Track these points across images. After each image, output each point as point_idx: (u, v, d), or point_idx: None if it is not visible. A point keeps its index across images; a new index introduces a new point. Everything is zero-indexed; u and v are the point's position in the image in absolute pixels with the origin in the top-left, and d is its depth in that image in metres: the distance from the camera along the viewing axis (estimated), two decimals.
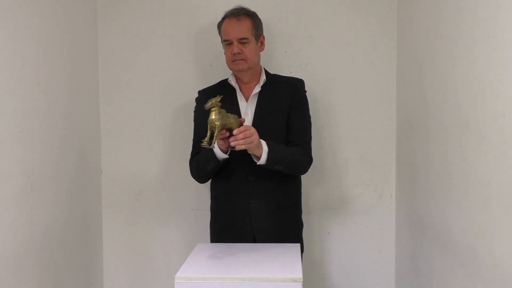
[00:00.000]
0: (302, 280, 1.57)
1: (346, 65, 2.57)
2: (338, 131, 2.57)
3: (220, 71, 2.53)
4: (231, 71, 2.21)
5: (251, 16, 2.15)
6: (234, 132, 1.88)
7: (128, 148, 2.61)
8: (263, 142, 2.00)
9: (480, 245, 1.62)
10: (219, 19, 2.56)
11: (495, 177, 1.52)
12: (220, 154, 2.03)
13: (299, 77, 2.30)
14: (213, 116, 1.83)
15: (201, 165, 2.12)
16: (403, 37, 2.46)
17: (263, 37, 2.21)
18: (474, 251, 1.66)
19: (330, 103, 2.54)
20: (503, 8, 1.46)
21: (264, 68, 2.24)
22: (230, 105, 2.13)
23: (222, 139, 1.93)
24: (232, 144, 1.89)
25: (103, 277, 2.65)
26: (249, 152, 1.97)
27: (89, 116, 2.49)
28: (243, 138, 1.88)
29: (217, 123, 1.82)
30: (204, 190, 2.57)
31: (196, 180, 2.22)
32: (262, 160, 2.00)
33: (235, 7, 2.19)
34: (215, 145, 1.94)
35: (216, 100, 1.84)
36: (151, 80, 2.59)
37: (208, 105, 1.84)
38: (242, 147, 1.89)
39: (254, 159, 2.01)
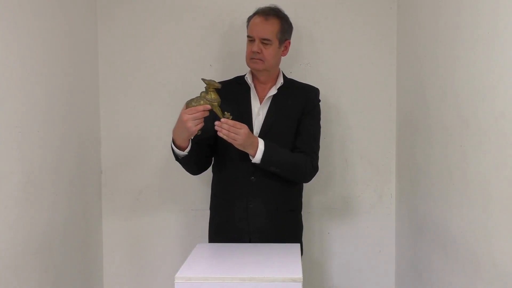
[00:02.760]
0: (302, 280, 1.57)
1: (346, 65, 2.57)
2: (338, 131, 2.57)
3: (221, 71, 2.54)
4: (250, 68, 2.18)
5: (281, 19, 2.12)
6: (222, 120, 1.89)
7: (128, 148, 2.61)
8: (261, 142, 2.00)
9: (479, 245, 1.62)
10: (219, 19, 2.57)
11: (495, 177, 1.52)
12: (178, 152, 2.00)
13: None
14: (215, 95, 1.88)
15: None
16: (403, 37, 2.46)
17: (289, 42, 2.18)
18: (474, 251, 1.66)
19: (330, 103, 2.54)
20: (503, 8, 1.46)
21: (282, 72, 2.22)
22: (242, 103, 2.12)
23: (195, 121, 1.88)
24: (216, 128, 1.90)
25: (103, 277, 2.65)
26: (239, 148, 1.96)
27: (89, 116, 2.49)
28: (227, 130, 1.88)
29: (219, 99, 1.89)
30: (204, 190, 2.57)
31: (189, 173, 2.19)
32: (257, 159, 1.99)
33: (269, 5, 2.15)
34: (172, 143, 2.00)
35: (214, 81, 1.90)
36: (151, 80, 2.59)
37: (211, 83, 1.87)
38: (225, 137, 1.90)
39: (250, 156, 2.01)
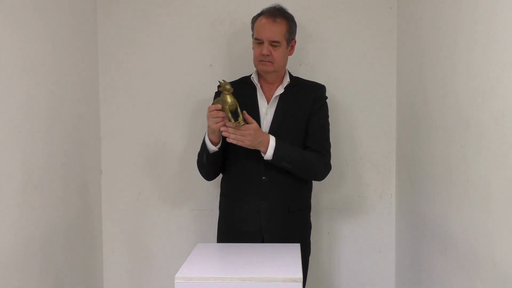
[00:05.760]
0: (302, 280, 1.57)
1: (346, 65, 2.57)
2: (338, 131, 2.57)
3: (220, 71, 2.54)
4: (256, 69, 2.18)
5: (288, 19, 2.11)
6: (228, 124, 1.96)
7: (128, 148, 2.61)
8: (272, 138, 2.01)
9: (480, 245, 1.62)
10: (219, 19, 2.57)
11: (495, 177, 1.52)
12: (210, 147, 2.03)
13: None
14: (230, 98, 1.94)
15: (200, 158, 2.13)
16: (403, 37, 2.46)
17: (295, 41, 2.18)
18: (474, 251, 1.66)
19: (330, 103, 2.52)
20: (503, 8, 1.46)
21: (288, 70, 2.23)
22: (249, 103, 2.12)
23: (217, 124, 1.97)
24: (224, 134, 1.97)
25: (103, 277, 2.65)
26: (249, 148, 1.99)
27: (89, 116, 2.49)
28: (233, 133, 1.95)
29: (238, 103, 1.94)
30: (204, 190, 2.57)
31: (202, 175, 2.21)
32: (268, 155, 2.00)
33: (274, 6, 2.14)
34: (207, 136, 2.05)
35: (228, 82, 1.95)
36: (151, 80, 2.59)
37: (226, 88, 1.93)
38: (233, 141, 1.96)
39: (261, 153, 2.02)
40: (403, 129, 2.48)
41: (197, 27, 2.57)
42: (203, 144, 2.08)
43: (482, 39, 1.59)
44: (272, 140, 2.00)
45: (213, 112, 1.94)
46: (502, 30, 1.47)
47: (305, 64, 2.56)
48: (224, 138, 2.04)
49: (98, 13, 2.56)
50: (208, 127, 2.01)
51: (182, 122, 2.59)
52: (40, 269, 2.00)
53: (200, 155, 2.12)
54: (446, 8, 1.90)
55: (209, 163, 2.11)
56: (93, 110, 2.54)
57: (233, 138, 1.95)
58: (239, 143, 1.96)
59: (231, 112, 1.94)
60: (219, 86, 1.95)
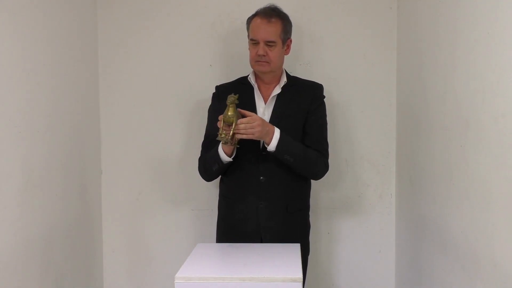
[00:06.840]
0: (302, 280, 1.57)
1: (346, 65, 2.57)
2: (337, 131, 2.57)
3: (220, 71, 2.54)
4: (253, 69, 2.18)
5: (283, 19, 2.12)
6: (239, 121, 1.93)
7: (128, 148, 2.61)
8: (277, 130, 2.01)
9: (480, 245, 1.62)
10: (219, 19, 2.57)
11: (495, 177, 1.52)
12: (224, 157, 2.04)
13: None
14: (231, 112, 1.91)
15: (207, 164, 2.13)
16: (403, 37, 2.46)
17: (291, 40, 2.18)
18: (474, 251, 1.66)
19: (330, 103, 2.53)
20: (502, 8, 1.46)
21: (285, 70, 2.23)
22: (247, 103, 2.12)
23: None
24: (234, 131, 1.93)
25: (103, 277, 2.65)
26: (258, 138, 1.99)
27: (89, 116, 2.49)
28: (244, 128, 1.93)
29: (234, 118, 1.91)
30: (204, 190, 2.57)
31: (203, 178, 2.22)
32: (272, 146, 2.00)
33: (269, 6, 2.14)
34: (220, 146, 2.03)
35: (235, 97, 1.92)
36: (151, 80, 2.59)
37: (229, 100, 1.91)
38: (243, 136, 1.94)
39: (265, 144, 2.02)
40: (403, 129, 2.48)
41: (197, 27, 2.57)
42: (215, 154, 2.07)
43: (482, 39, 1.59)
44: (277, 132, 2.01)
45: (218, 122, 1.94)
46: (502, 30, 1.47)
47: (304, 64, 2.56)
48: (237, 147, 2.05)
49: (98, 13, 2.56)
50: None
51: (182, 122, 2.59)
52: (40, 269, 2.00)
53: (209, 163, 2.12)
54: (446, 8, 1.90)
55: (218, 171, 2.13)
56: (93, 110, 2.54)
57: (243, 132, 1.93)
58: (249, 136, 1.95)
59: (229, 124, 1.93)
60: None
